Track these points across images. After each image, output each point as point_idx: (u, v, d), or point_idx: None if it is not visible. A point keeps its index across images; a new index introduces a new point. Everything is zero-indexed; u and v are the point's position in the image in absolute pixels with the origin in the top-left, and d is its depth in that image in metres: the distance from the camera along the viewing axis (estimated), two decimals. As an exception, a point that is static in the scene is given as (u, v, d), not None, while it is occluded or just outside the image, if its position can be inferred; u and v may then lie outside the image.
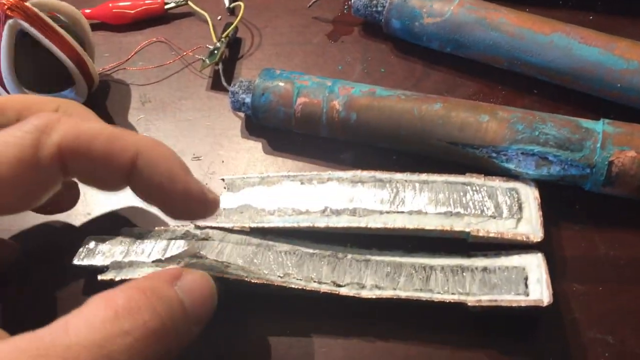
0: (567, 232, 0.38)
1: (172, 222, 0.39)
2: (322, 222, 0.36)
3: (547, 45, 0.41)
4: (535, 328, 0.35)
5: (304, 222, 0.36)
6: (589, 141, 0.36)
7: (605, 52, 0.40)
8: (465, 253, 0.36)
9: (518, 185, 0.37)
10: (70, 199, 0.38)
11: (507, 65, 0.44)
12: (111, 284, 0.35)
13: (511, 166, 0.37)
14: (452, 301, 0.33)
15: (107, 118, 0.46)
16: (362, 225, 0.36)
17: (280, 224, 0.37)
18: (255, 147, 0.44)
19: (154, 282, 0.27)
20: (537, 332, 0.34)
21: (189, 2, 0.51)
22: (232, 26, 0.48)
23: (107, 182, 0.30)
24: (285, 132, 0.43)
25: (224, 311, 0.36)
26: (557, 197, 0.38)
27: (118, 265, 0.36)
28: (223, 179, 0.40)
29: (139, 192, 0.31)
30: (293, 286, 0.34)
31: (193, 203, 0.31)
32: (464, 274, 0.34)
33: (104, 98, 0.47)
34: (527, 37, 0.42)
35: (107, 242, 0.37)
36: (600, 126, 0.37)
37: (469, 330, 0.34)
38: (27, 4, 0.40)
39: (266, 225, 0.37)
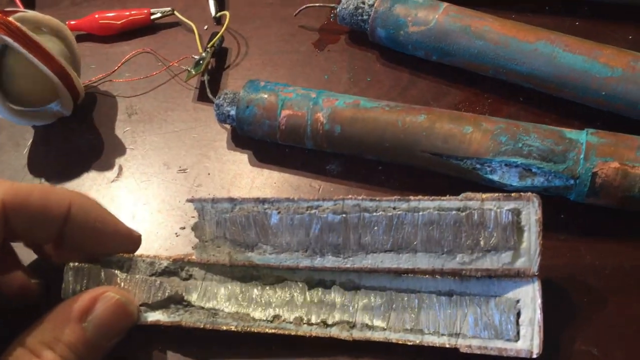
0: (552, 242, 0.38)
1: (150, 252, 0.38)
2: (305, 262, 0.35)
3: (531, 53, 0.41)
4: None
5: (286, 262, 0.36)
6: (573, 152, 0.36)
7: (590, 60, 0.40)
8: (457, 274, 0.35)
9: (520, 204, 0.33)
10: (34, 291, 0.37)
11: (493, 73, 0.43)
12: None
13: (495, 177, 0.37)
14: (443, 346, 0.33)
15: (94, 131, 0.46)
16: (348, 265, 0.35)
17: (261, 263, 0.36)
18: (241, 159, 0.44)
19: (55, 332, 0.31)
20: (522, 344, 0.34)
21: (175, 12, 0.50)
22: (218, 35, 0.48)
23: (44, 232, 0.33)
24: (271, 143, 0.43)
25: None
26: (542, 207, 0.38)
27: None
28: (191, 201, 0.37)
29: (70, 240, 0.34)
30: (284, 332, 0.34)
31: (122, 241, 0.36)
32: (456, 305, 0.34)
33: (90, 110, 0.47)
34: (511, 45, 0.42)
35: (86, 276, 0.35)
36: (583, 136, 0.36)
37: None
38: (10, 18, 0.40)
39: (247, 262, 0.36)
